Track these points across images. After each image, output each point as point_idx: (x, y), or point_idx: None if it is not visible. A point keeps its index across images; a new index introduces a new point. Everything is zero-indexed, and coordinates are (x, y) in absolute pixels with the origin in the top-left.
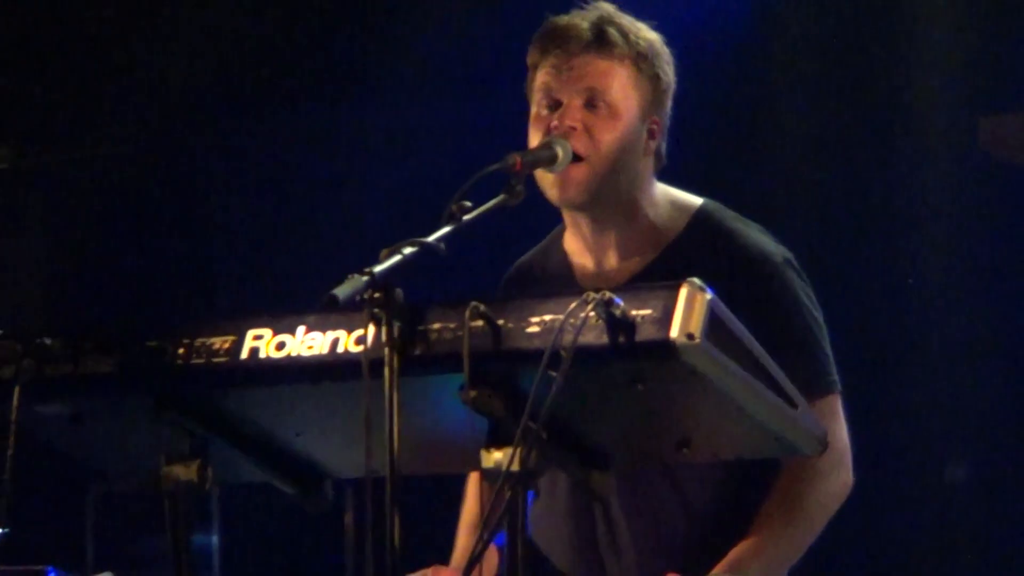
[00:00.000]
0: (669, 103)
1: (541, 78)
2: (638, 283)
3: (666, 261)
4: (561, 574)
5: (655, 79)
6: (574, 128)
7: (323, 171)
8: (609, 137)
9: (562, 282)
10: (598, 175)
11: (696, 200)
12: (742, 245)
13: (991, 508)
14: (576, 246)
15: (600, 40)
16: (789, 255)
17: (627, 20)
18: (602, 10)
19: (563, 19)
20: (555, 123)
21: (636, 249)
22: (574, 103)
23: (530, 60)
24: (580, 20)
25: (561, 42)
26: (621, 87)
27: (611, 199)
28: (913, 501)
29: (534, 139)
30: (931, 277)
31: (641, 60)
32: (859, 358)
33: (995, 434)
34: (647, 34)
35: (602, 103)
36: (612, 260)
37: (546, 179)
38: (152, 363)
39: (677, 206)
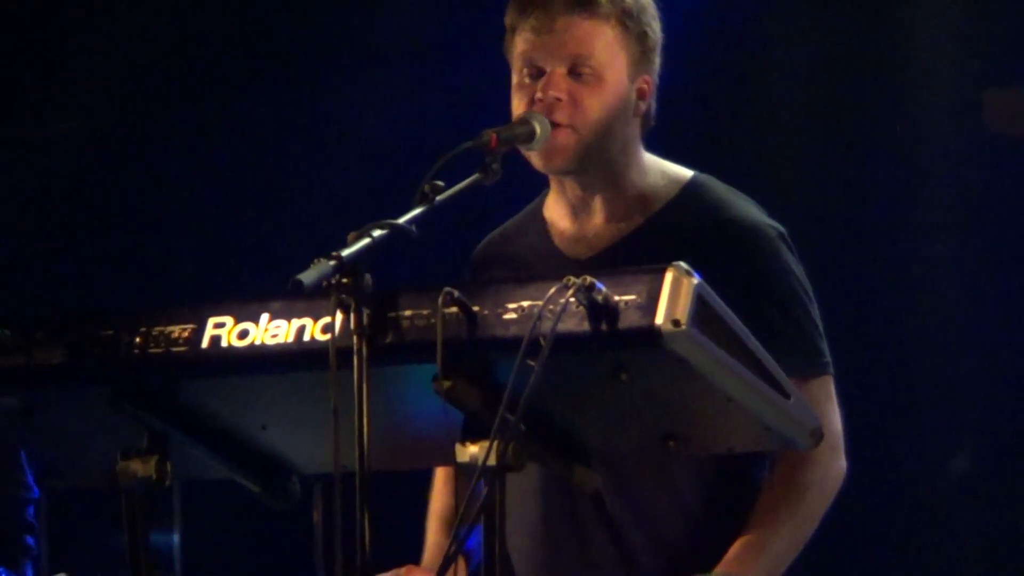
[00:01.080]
0: (658, 60)
1: (521, 44)
2: (620, 249)
3: (652, 228)
4: (535, 557)
5: (642, 36)
6: (559, 99)
7: (287, 151)
8: (596, 104)
9: (539, 249)
10: (585, 142)
11: (687, 172)
12: (733, 216)
13: (992, 499)
14: (559, 211)
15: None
16: (782, 229)
17: None
18: None
19: None
20: (539, 95)
21: (622, 214)
22: (558, 71)
23: (508, 21)
24: None
25: (542, 2)
26: (606, 49)
27: (599, 163)
28: (913, 492)
29: (517, 108)
30: (933, 258)
31: (627, 18)
32: (857, 344)
33: (997, 424)
34: None
35: (587, 69)
36: (596, 224)
37: (533, 155)
38: (107, 353)
39: (668, 175)
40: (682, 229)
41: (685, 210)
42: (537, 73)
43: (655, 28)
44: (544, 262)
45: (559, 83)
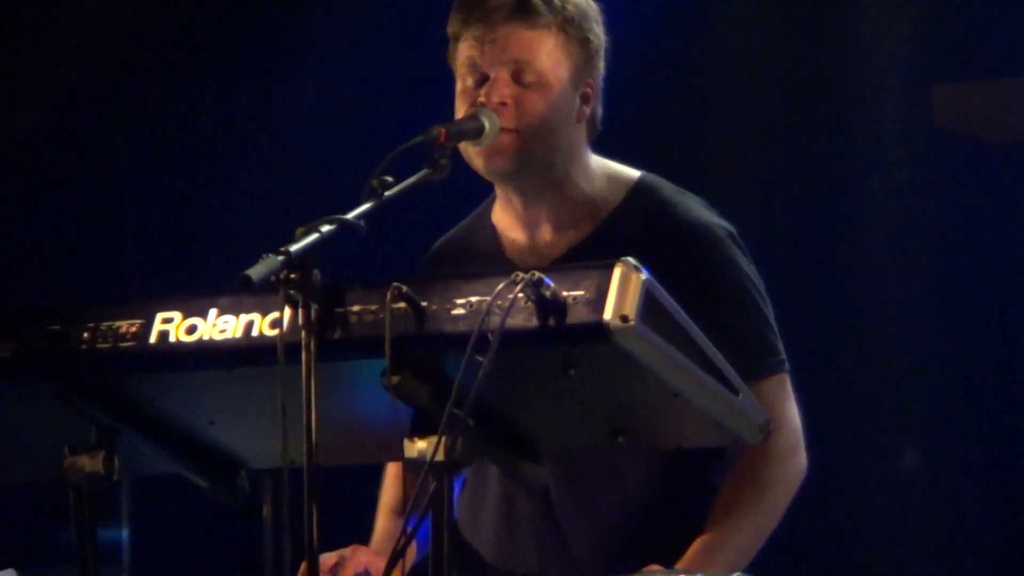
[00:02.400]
0: (602, 64)
1: (465, 52)
2: (572, 258)
3: (603, 234)
4: (487, 564)
5: (585, 42)
6: (504, 104)
7: (237, 146)
8: (540, 108)
9: (491, 258)
10: (527, 144)
11: (634, 173)
12: (682, 217)
13: (944, 496)
14: (507, 220)
15: (523, 9)
16: (732, 229)
17: None
18: None
19: None
20: (482, 99)
21: (570, 222)
22: (501, 76)
23: (451, 30)
24: None
25: (482, 13)
26: (549, 55)
27: (542, 168)
28: (866, 489)
29: (460, 113)
30: (883, 256)
31: (569, 25)
32: (809, 343)
33: (948, 421)
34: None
35: (530, 75)
36: (545, 234)
37: (471, 149)
38: (54, 348)
39: (614, 179)
40: (632, 234)
41: (634, 214)
42: (481, 79)
43: (598, 33)
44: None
45: (502, 88)
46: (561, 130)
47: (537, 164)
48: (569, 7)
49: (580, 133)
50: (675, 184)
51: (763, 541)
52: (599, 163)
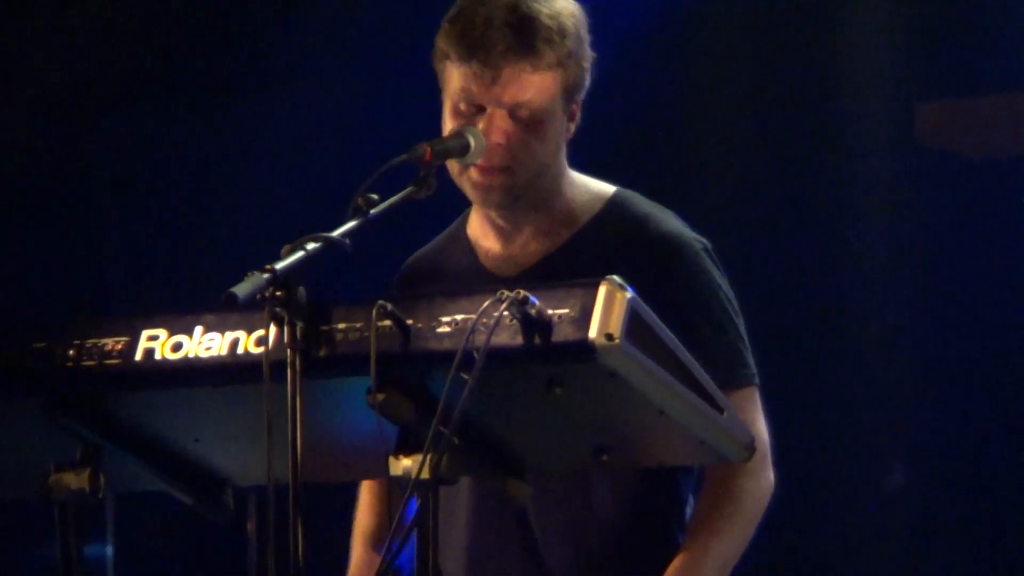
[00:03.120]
0: (589, 74)
1: (461, 80)
2: (546, 267)
3: (577, 245)
4: (460, 571)
5: (578, 68)
6: (500, 144)
7: (222, 164)
8: (535, 148)
9: (466, 269)
10: (521, 184)
11: (610, 187)
12: (656, 230)
13: (929, 513)
14: (483, 229)
15: (525, 48)
16: (706, 242)
17: (544, 9)
18: (524, 6)
19: (478, 15)
20: (482, 126)
21: (546, 232)
22: (499, 114)
23: (442, 47)
24: (497, 17)
25: (486, 51)
26: (548, 95)
27: (532, 196)
28: (851, 506)
29: (448, 130)
30: (868, 271)
31: (567, 59)
32: (793, 358)
33: (933, 438)
34: (565, 20)
35: (527, 113)
36: (522, 241)
37: (466, 182)
38: (40, 365)
39: (591, 192)
40: (607, 244)
41: (609, 225)
42: (476, 109)
43: (587, 51)
44: (471, 282)
45: (500, 125)
46: (553, 158)
47: (529, 194)
48: (568, 41)
49: (564, 149)
50: (658, 198)
51: (739, 554)
52: (578, 176)
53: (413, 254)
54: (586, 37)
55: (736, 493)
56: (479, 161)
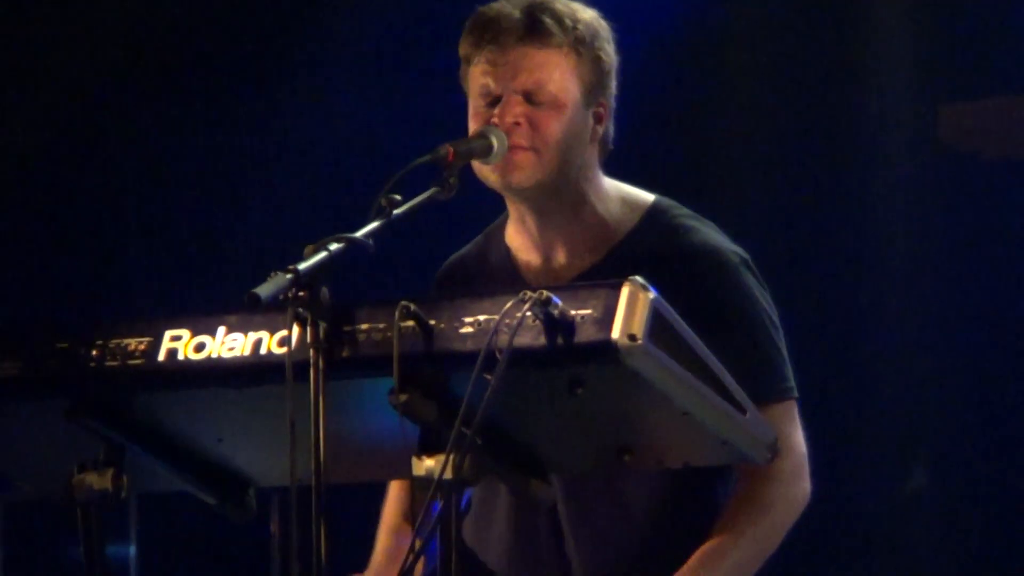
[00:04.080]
0: (614, 84)
1: (477, 75)
2: (587, 280)
3: (617, 258)
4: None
5: (596, 62)
6: (517, 124)
7: (246, 164)
8: (554, 127)
9: (506, 278)
10: (544, 162)
11: (649, 197)
12: (696, 242)
13: (951, 517)
14: (521, 241)
15: (534, 30)
16: (746, 255)
17: (560, 2)
18: None
19: (493, 8)
20: (495, 120)
21: (585, 246)
22: (513, 99)
23: (462, 52)
24: (512, 9)
25: (493, 35)
26: (561, 77)
27: (557, 186)
28: (873, 510)
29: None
30: (890, 274)
31: (580, 45)
32: (814, 360)
33: (955, 442)
34: (584, 15)
35: (543, 96)
36: (560, 256)
37: (489, 172)
38: (63, 365)
39: (628, 203)
40: (646, 258)
41: (648, 238)
42: (494, 101)
43: (609, 52)
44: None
45: (515, 108)
46: (575, 149)
47: (552, 181)
48: (580, 27)
49: (593, 153)
50: (683, 204)
51: (760, 562)
52: (613, 186)
53: (452, 255)
54: (606, 36)
55: (763, 501)
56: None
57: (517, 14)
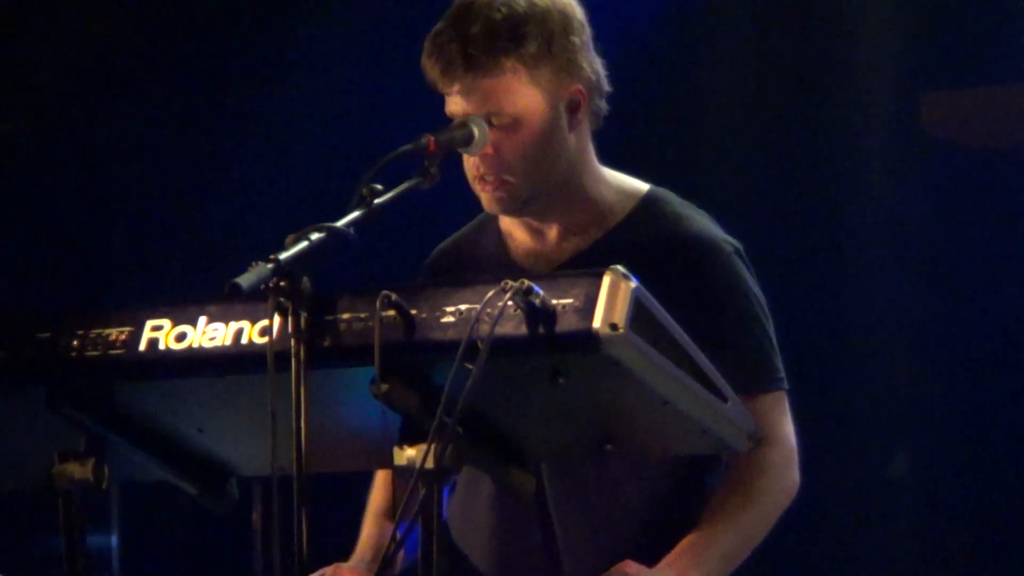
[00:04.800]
0: (585, 58)
1: (450, 104)
2: (577, 265)
3: (609, 244)
4: (480, 564)
5: (553, 57)
6: (488, 154)
7: (227, 153)
8: (519, 150)
9: (497, 262)
10: (519, 188)
11: (644, 185)
12: (689, 231)
13: (932, 503)
14: (513, 224)
15: (475, 64)
16: (739, 245)
17: (497, 14)
18: (476, 11)
19: (436, 39)
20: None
21: (578, 228)
22: None
23: (422, 66)
24: (449, 40)
25: (440, 70)
26: (515, 96)
27: (543, 193)
28: (853, 495)
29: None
30: (872, 262)
31: (529, 58)
32: (793, 343)
33: (936, 427)
34: (526, 16)
35: (503, 120)
36: (552, 239)
37: (478, 188)
38: (44, 355)
39: (623, 190)
40: (639, 245)
41: (641, 225)
42: None
43: (570, 41)
44: (503, 275)
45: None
46: (550, 155)
47: (534, 193)
48: (530, 44)
49: (580, 140)
50: (684, 200)
51: (748, 551)
52: (609, 173)
53: (443, 241)
54: (560, 24)
55: (751, 491)
56: (476, 173)
57: (455, 48)
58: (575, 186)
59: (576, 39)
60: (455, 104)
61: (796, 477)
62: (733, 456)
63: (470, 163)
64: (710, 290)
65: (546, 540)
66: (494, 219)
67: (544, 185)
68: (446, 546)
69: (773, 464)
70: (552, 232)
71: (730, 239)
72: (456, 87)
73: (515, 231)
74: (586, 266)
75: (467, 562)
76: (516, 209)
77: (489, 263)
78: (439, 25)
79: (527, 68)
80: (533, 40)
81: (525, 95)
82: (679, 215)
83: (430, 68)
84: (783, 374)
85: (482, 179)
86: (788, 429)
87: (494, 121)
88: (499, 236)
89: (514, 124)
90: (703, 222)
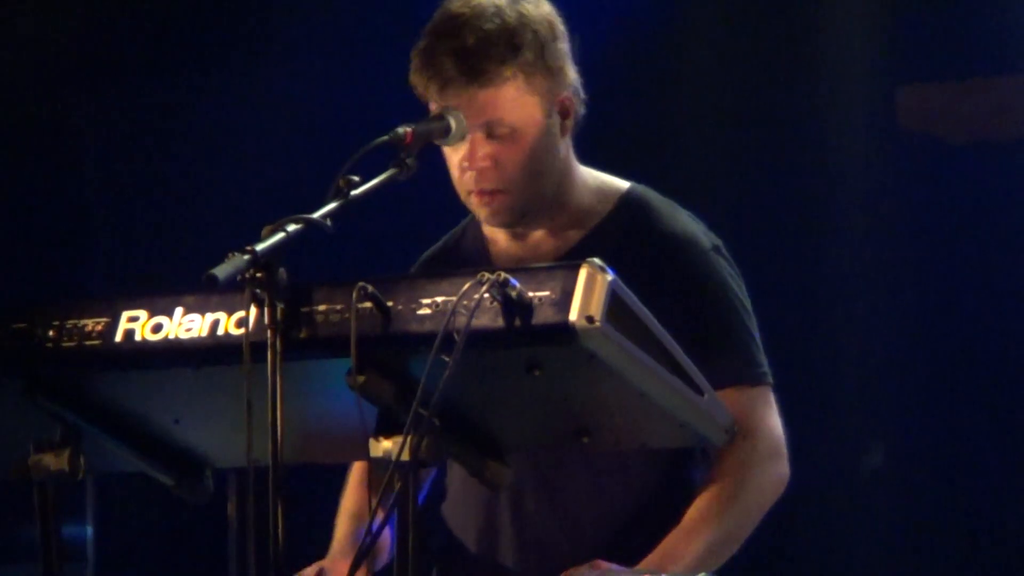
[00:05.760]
0: (570, 68)
1: (434, 107)
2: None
3: (591, 244)
4: (470, 559)
5: (547, 70)
6: (485, 166)
7: (203, 144)
8: (519, 160)
9: (479, 265)
10: (521, 201)
11: (623, 184)
12: (669, 229)
13: (907, 495)
14: (495, 230)
15: (477, 72)
16: (719, 242)
17: (490, 19)
18: (466, 23)
19: (432, 49)
20: (466, 164)
21: (559, 230)
22: (476, 137)
23: (412, 80)
24: (445, 52)
25: (441, 82)
26: (516, 105)
27: (535, 202)
28: (829, 488)
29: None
30: (849, 256)
31: (526, 66)
32: (767, 337)
33: (911, 420)
34: (517, 28)
35: (502, 130)
36: (534, 241)
37: (473, 206)
38: (20, 346)
39: (603, 190)
40: (620, 244)
41: (622, 224)
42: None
43: (558, 48)
44: None
45: (479, 150)
46: (547, 164)
47: (536, 203)
48: (526, 52)
49: (567, 145)
50: (664, 197)
51: (735, 545)
52: (589, 173)
53: (431, 247)
54: (548, 32)
55: (736, 485)
56: (475, 187)
57: (450, 62)
58: (559, 191)
59: (563, 46)
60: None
61: (783, 470)
62: (718, 451)
63: (466, 178)
64: (691, 287)
65: (529, 534)
66: (476, 224)
67: (541, 194)
68: (423, 539)
69: (758, 459)
70: (534, 236)
71: (710, 236)
72: (455, 101)
73: (497, 236)
74: None
75: (464, 551)
76: (515, 220)
77: (471, 266)
78: (426, 41)
79: (525, 76)
80: (528, 48)
81: (524, 103)
82: (659, 212)
83: (424, 83)
84: (767, 368)
85: (480, 193)
86: (773, 423)
87: (495, 131)
88: (481, 241)
89: (513, 134)
90: (683, 219)
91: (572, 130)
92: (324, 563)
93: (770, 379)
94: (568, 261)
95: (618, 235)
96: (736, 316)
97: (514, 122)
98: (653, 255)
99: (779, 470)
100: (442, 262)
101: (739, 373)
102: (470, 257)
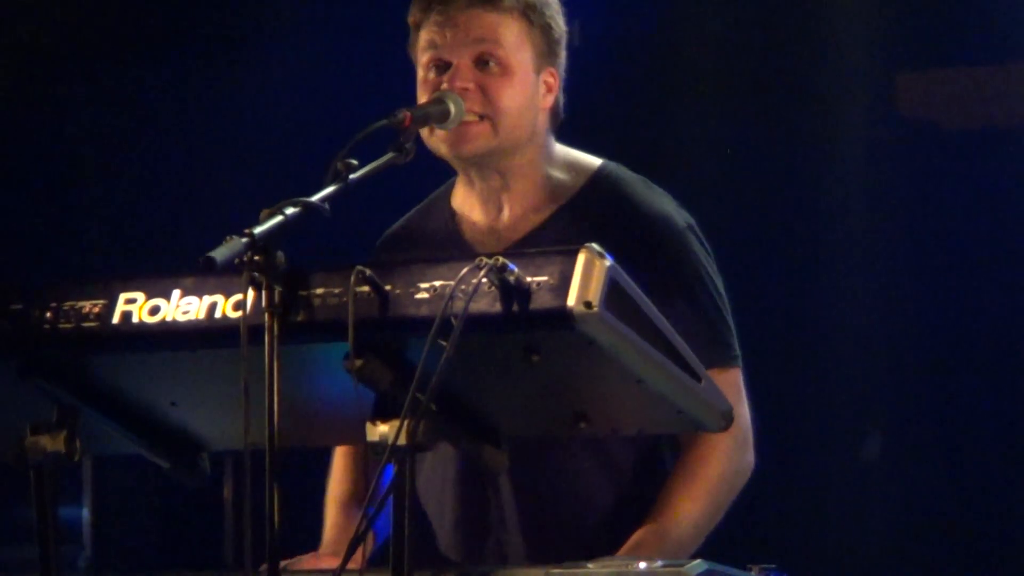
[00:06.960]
0: (564, 53)
1: (426, 37)
2: (531, 242)
3: (562, 220)
4: (447, 543)
5: (546, 29)
6: (467, 89)
7: (201, 127)
8: (506, 93)
9: (446, 240)
10: (498, 132)
11: (596, 160)
12: (641, 207)
13: (903, 483)
14: (467, 202)
15: None
16: (691, 221)
17: None
18: None
19: None
20: (445, 85)
21: (531, 207)
22: (464, 63)
23: (411, 19)
24: None
25: (440, 2)
26: (512, 41)
27: (508, 152)
28: (826, 476)
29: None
30: (845, 243)
31: (530, 11)
32: (768, 330)
33: (907, 408)
34: None
35: (494, 60)
36: (505, 217)
37: (436, 135)
38: (16, 327)
39: (576, 165)
40: (591, 220)
41: (594, 201)
42: (443, 67)
43: (559, 22)
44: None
45: (466, 74)
46: (526, 115)
47: (503, 147)
48: None
49: (544, 121)
50: (637, 172)
51: (705, 533)
52: (562, 150)
53: (395, 222)
54: (556, 6)
55: (705, 474)
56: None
57: None
58: (531, 164)
59: (562, 28)
60: (441, 38)
61: (750, 459)
62: (685, 437)
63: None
64: (662, 265)
65: (503, 521)
66: (444, 199)
67: (511, 142)
68: (417, 524)
69: (726, 447)
70: (506, 210)
71: (684, 214)
72: (457, 19)
73: (469, 211)
74: (536, 244)
75: (434, 540)
76: (484, 150)
77: (439, 242)
78: None
79: (527, 23)
80: (537, 4)
81: (520, 45)
82: (631, 190)
83: (424, 7)
84: (737, 351)
85: (464, 123)
86: (742, 409)
87: (486, 60)
88: (451, 216)
89: (504, 69)
90: (656, 197)
91: (552, 116)
92: (320, 552)
93: (740, 362)
94: (567, 246)
95: (591, 211)
96: (708, 297)
97: (506, 56)
98: (626, 232)
99: (747, 459)
100: (406, 240)
101: (712, 356)
102: (437, 234)
